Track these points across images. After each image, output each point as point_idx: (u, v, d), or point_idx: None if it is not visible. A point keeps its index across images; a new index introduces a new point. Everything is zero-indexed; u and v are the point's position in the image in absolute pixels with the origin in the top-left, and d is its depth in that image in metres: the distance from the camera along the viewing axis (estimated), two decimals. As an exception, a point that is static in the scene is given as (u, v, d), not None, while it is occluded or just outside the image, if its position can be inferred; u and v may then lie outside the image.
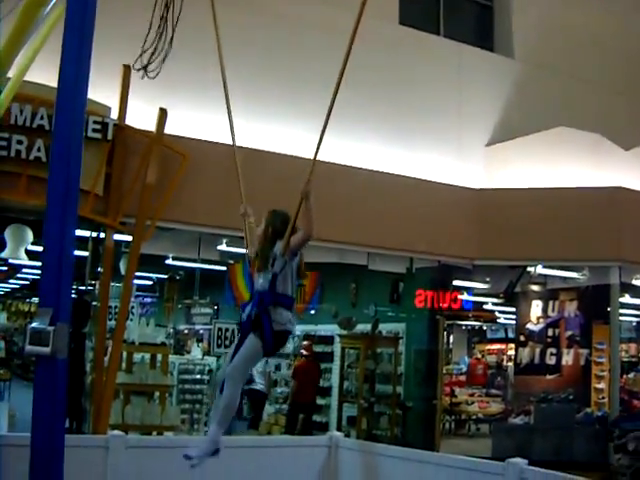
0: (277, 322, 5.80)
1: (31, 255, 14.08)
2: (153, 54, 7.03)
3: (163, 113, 11.02)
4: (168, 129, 11.13)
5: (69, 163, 4.14)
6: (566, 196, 13.94)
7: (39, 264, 13.85)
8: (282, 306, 5.87)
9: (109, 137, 10.70)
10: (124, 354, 11.98)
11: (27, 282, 25.93)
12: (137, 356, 12.62)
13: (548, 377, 14.91)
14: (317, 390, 16.71)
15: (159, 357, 12.52)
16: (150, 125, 11.04)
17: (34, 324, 3.63)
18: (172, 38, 7.54)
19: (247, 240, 6.47)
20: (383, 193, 13.16)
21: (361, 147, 13.37)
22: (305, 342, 17.13)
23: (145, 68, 6.95)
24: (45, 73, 7.26)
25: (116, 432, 7.96)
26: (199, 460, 5.72)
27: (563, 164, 14.41)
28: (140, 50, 8.45)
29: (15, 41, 5.41)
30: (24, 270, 21.83)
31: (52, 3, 5.40)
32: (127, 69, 10.82)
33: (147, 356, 12.58)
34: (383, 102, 13.88)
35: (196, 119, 11.88)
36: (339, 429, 15.43)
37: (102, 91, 10.00)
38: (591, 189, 13.95)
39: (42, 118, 10.27)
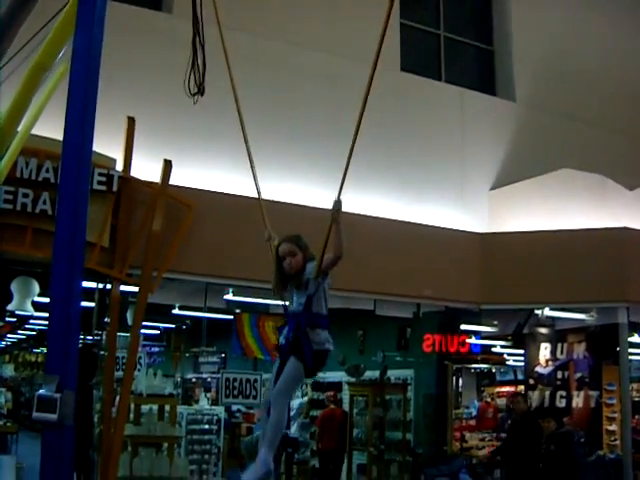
0: (316, 342, 5.73)
1: (38, 307, 14.09)
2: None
3: (168, 165, 11.07)
4: (174, 180, 11.18)
5: (75, 217, 4.14)
6: (571, 238, 13.93)
7: (45, 315, 13.90)
8: (319, 326, 5.79)
9: (114, 189, 10.73)
10: (132, 405, 11.92)
11: (34, 333, 25.89)
12: (145, 407, 12.56)
13: (559, 420, 14.80)
14: (344, 438, 16.43)
15: (167, 408, 12.47)
16: (155, 177, 11.09)
17: (41, 391, 3.66)
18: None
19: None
20: (388, 240, 13.17)
21: (364, 195, 13.40)
22: (329, 392, 17.14)
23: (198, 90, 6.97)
24: (50, 126, 7.30)
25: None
26: None
27: (567, 206, 14.42)
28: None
29: (20, 104, 5.46)
30: (31, 321, 21.81)
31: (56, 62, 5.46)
32: (132, 121, 10.92)
33: (155, 407, 12.52)
34: (385, 149, 13.94)
35: (201, 170, 11.95)
36: (349, 477, 15.33)
37: (107, 143, 10.05)
38: (596, 230, 13.93)
39: (47, 171, 10.30)
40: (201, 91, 6.86)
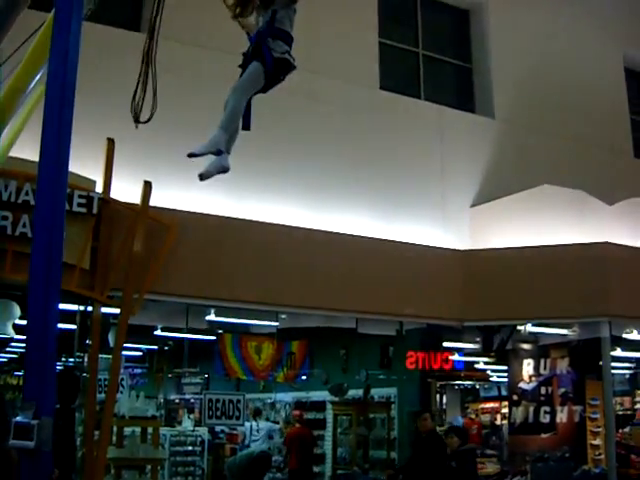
0: (276, 51, 5.75)
1: (19, 330, 13.97)
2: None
3: (148, 186, 11.04)
4: (153, 202, 11.15)
5: (52, 240, 4.12)
6: (553, 254, 13.97)
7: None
8: (281, 39, 5.82)
9: (94, 211, 10.69)
10: (114, 428, 11.83)
11: (15, 356, 25.65)
12: (128, 429, 12.46)
13: (543, 436, 14.80)
14: (310, 457, 16.50)
15: (150, 430, 12.38)
16: (135, 198, 11.06)
17: (18, 418, 3.62)
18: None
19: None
20: (369, 258, 13.17)
21: (345, 214, 13.43)
22: (295, 411, 17.15)
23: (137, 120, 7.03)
24: (29, 149, 7.28)
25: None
26: (200, 154, 5.65)
27: (548, 222, 14.46)
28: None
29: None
30: (12, 344, 21.62)
31: (33, 84, 5.44)
32: (111, 143, 10.90)
33: (138, 429, 12.43)
34: (365, 167, 13.97)
35: (181, 191, 11.92)
36: (334, 497, 15.24)
37: (87, 165, 10.04)
38: (577, 245, 13.98)
39: (27, 194, 10.24)
40: (138, 119, 6.85)
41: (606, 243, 13.96)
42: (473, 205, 15.15)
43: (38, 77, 5.51)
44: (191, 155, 5.65)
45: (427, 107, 15.54)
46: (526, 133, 16.07)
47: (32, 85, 5.76)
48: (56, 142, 4.25)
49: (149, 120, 6.71)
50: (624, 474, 14.92)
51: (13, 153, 7.86)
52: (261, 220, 12.22)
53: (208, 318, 13.35)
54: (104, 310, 11.18)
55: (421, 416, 12.42)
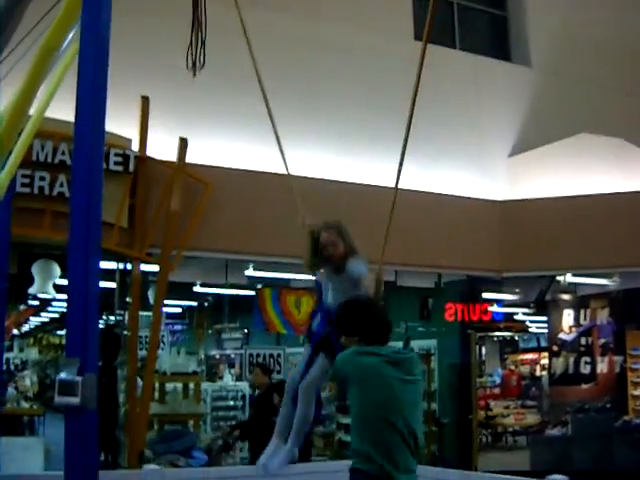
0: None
1: (59, 289, 14.11)
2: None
3: (183, 143, 11.05)
4: (190, 158, 11.16)
5: (90, 197, 4.11)
6: (592, 203, 13.83)
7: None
8: None
9: (131, 169, 10.74)
10: (156, 384, 11.96)
11: (57, 315, 25.96)
12: (169, 385, 12.59)
13: (583, 386, 14.77)
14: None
15: (191, 385, 12.50)
16: (171, 155, 11.07)
17: (62, 375, 3.59)
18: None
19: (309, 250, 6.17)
20: (408, 210, 13.04)
21: (383, 165, 13.33)
22: None
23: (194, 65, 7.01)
24: (64, 109, 7.27)
25: (152, 466, 7.83)
26: (277, 471, 5.65)
27: (587, 171, 14.30)
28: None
29: (30, 87, 5.42)
30: (53, 303, 21.87)
31: (66, 43, 5.40)
32: (146, 100, 10.90)
33: (179, 385, 12.56)
34: (401, 119, 13.81)
35: (217, 147, 11.91)
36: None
37: (122, 123, 10.05)
38: (616, 194, 13.82)
39: (63, 154, 10.32)
40: (200, 65, 6.80)
41: (646, 192, 13.80)
42: (511, 155, 15.01)
43: (71, 35, 5.46)
44: (266, 469, 5.61)
45: (462, 57, 15.36)
46: (563, 81, 15.82)
47: (65, 44, 5.72)
48: (91, 101, 4.23)
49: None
50: (665, 424, 14.89)
51: (47, 113, 7.86)
52: (297, 174, 12.16)
53: (247, 273, 13.35)
54: (143, 267, 11.26)
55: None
